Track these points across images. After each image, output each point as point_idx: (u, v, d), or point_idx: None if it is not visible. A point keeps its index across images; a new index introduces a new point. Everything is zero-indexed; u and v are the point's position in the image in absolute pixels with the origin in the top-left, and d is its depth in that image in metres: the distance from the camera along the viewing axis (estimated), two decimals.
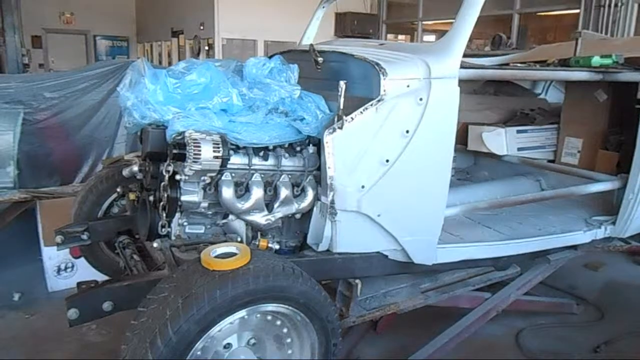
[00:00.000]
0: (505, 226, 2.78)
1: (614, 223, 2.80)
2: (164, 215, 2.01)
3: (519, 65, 3.16)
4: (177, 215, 2.08)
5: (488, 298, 2.75)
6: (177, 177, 1.97)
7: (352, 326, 2.51)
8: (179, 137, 1.93)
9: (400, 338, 2.85)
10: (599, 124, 3.12)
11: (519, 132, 3.27)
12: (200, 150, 1.86)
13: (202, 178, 1.98)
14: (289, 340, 1.84)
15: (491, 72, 2.60)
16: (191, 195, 2.01)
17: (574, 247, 2.83)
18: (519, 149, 3.28)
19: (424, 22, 11.45)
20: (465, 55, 2.14)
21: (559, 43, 4.23)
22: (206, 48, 11.40)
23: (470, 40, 2.13)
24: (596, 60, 2.63)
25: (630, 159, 2.69)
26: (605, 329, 3.09)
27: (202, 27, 11.50)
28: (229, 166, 2.01)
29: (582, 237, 2.76)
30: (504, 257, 2.62)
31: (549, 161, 3.36)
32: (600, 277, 3.83)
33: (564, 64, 2.85)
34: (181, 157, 1.92)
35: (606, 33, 6.80)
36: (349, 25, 11.37)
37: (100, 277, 2.48)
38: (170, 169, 1.96)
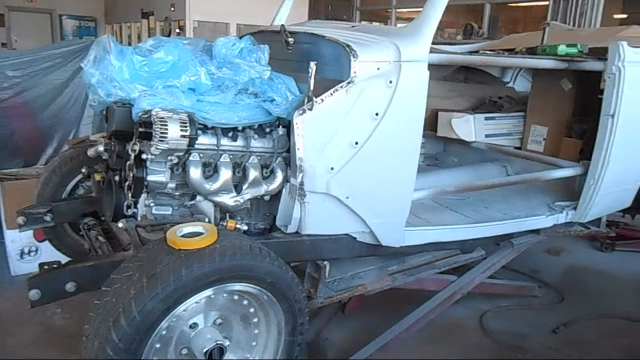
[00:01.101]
0: (472, 210, 2.84)
1: (575, 208, 2.89)
2: (130, 195, 1.98)
3: (488, 52, 3.20)
4: (144, 195, 2.05)
5: (454, 281, 2.81)
6: (144, 156, 1.93)
7: (321, 308, 2.54)
8: (146, 116, 1.89)
9: (368, 319, 2.90)
10: (563, 112, 3.20)
11: (487, 119, 3.33)
12: (167, 129, 1.83)
13: (169, 158, 1.95)
14: (255, 319, 1.85)
15: (461, 58, 2.63)
16: (158, 175, 1.97)
17: (536, 232, 2.91)
18: (487, 136, 3.34)
19: (397, 10, 11.48)
20: (437, 44, 2.16)
21: (527, 33, 4.32)
22: (177, 30, 11.17)
23: (442, 29, 2.16)
24: (562, 49, 2.69)
25: (592, 146, 2.77)
26: (565, 311, 3.20)
27: (173, 9, 11.25)
28: (196, 146, 1.99)
29: (544, 221, 2.84)
30: (469, 240, 2.68)
31: (516, 148, 3.43)
32: (561, 262, 3.96)
33: (532, 52, 2.92)
34: (147, 136, 1.89)
35: (574, 25, 6.96)
36: (322, 10, 11.33)
37: (65, 260, 2.43)
38: (136, 148, 1.92)
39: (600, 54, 2.74)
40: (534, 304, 3.28)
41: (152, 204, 2.09)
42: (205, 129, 2.03)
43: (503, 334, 2.93)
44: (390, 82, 2.06)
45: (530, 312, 3.19)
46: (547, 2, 7.71)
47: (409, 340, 2.67)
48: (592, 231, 3.16)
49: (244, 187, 2.12)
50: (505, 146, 3.38)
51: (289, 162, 2.14)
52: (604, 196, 2.82)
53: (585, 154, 2.93)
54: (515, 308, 3.21)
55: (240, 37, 2.29)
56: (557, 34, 3.38)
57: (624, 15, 8.57)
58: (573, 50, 2.69)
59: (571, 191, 3.05)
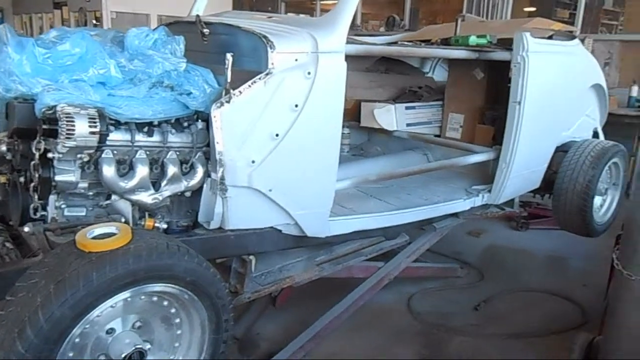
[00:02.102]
0: (395, 197, 2.92)
1: (489, 191, 3.04)
2: (37, 197, 1.85)
3: (405, 43, 3.30)
4: (53, 197, 1.93)
5: (381, 267, 2.88)
6: (50, 155, 1.82)
7: (251, 303, 2.52)
8: (50, 112, 1.78)
9: (299, 311, 2.91)
10: (477, 100, 3.36)
11: (407, 108, 3.43)
12: (74, 126, 1.74)
13: (79, 156, 1.85)
14: (177, 320, 1.79)
15: (378, 49, 2.68)
16: (66, 174, 1.87)
17: (456, 215, 3.05)
18: (408, 125, 3.44)
19: (322, 2, 11.51)
20: (361, 35, 2.18)
21: (444, 24, 4.48)
22: (94, 22, 10.56)
23: (367, 21, 2.17)
24: (473, 39, 2.82)
25: (503, 132, 2.93)
26: (485, 288, 3.39)
27: None
28: (109, 143, 1.90)
29: (462, 205, 2.97)
30: (392, 226, 2.75)
31: (436, 136, 3.57)
32: (481, 243, 4.19)
33: (446, 43, 3.03)
34: (53, 134, 1.78)
35: (487, 17, 7.32)
36: (247, 1, 11.15)
37: None
38: (41, 146, 1.80)
39: (507, 44, 2.89)
40: (458, 284, 3.44)
41: (63, 206, 1.97)
42: (118, 124, 1.94)
43: (430, 315, 3.05)
44: (309, 73, 2.07)
45: (454, 292, 3.34)
46: None
47: (340, 328, 2.71)
48: (506, 212, 3.36)
49: (163, 183, 2.06)
50: (425, 134, 3.51)
51: (209, 156, 2.09)
52: (515, 178, 3.00)
53: (497, 139, 3.09)
54: (440, 289, 3.35)
55: (154, 29, 2.20)
56: (469, 25, 3.53)
57: (533, 8, 9.11)
58: (483, 40, 2.83)
59: (486, 175, 3.22)
